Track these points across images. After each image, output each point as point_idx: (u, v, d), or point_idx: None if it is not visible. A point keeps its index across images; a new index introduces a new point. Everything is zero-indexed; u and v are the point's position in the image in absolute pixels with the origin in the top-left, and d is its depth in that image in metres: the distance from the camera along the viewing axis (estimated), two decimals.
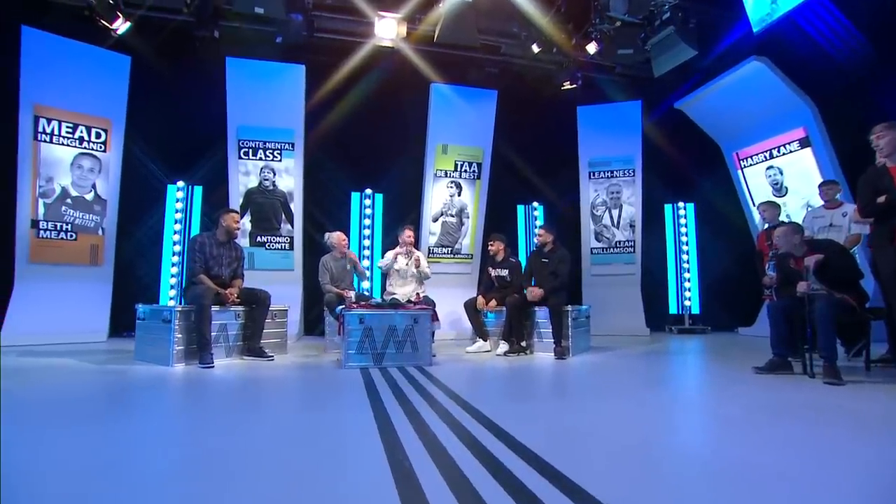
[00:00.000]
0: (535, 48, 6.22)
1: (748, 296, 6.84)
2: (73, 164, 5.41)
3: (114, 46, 5.50)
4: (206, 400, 2.63)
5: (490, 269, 4.93)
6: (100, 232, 5.58)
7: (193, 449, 1.71)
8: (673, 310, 7.18)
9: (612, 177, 7.08)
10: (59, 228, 5.32)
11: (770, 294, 4.23)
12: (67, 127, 5.37)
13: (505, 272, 4.81)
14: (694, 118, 7.00)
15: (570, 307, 4.39)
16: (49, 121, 5.26)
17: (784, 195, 6.16)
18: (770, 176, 6.33)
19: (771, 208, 4.55)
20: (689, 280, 7.16)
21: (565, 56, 6.46)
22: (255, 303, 3.94)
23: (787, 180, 6.11)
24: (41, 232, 5.23)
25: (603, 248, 7.09)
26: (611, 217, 7.08)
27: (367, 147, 6.62)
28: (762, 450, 1.69)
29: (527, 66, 6.84)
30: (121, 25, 5.31)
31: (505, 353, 4.35)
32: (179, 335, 3.54)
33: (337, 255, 4.75)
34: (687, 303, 7.11)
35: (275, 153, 6.03)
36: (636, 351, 4.83)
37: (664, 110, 7.16)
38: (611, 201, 7.07)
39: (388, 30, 5.85)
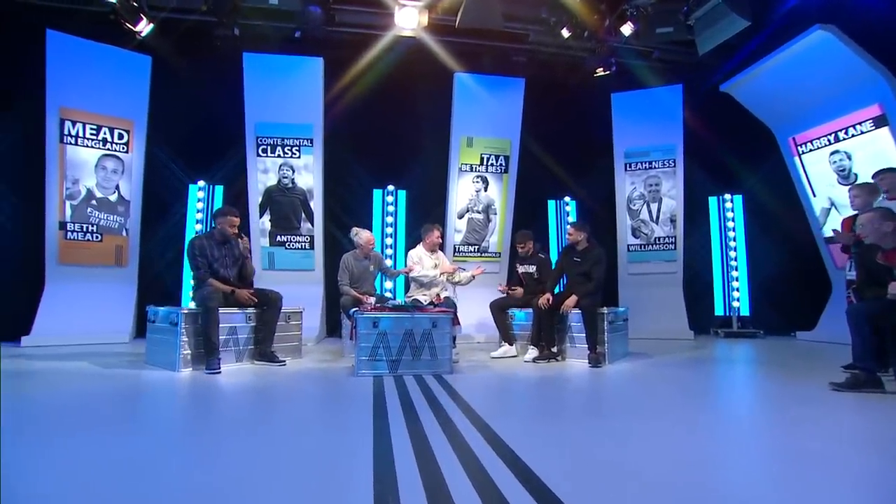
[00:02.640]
0: (566, 33, 5.80)
1: (806, 296, 6.19)
2: (97, 166, 5.45)
3: (134, 47, 5.50)
4: (192, 414, 2.43)
5: (518, 265, 4.69)
6: (124, 233, 5.61)
7: (138, 476, 1.46)
8: (719, 311, 6.63)
9: (650, 168, 6.58)
10: (85, 230, 5.37)
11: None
12: (91, 129, 5.41)
13: (532, 268, 4.52)
14: (742, 101, 6.36)
15: (605, 309, 3.98)
16: (74, 123, 5.31)
17: (853, 183, 5.45)
18: (835, 162, 5.63)
19: (864, 194, 3.65)
20: (737, 279, 6.58)
21: (598, 41, 6.00)
22: (267, 304, 3.75)
23: (857, 166, 5.40)
24: (69, 233, 5.29)
25: (641, 245, 6.59)
26: (649, 211, 6.57)
27: (389, 142, 6.39)
28: None
29: (556, 54, 6.43)
30: (144, 27, 5.31)
31: (534, 360, 3.99)
32: (186, 339, 3.39)
33: (360, 254, 4.50)
34: (735, 304, 6.53)
35: (293, 150, 5.88)
36: (680, 358, 4.37)
37: (708, 94, 6.56)
38: (649, 195, 6.57)
39: (409, 19, 5.64)
